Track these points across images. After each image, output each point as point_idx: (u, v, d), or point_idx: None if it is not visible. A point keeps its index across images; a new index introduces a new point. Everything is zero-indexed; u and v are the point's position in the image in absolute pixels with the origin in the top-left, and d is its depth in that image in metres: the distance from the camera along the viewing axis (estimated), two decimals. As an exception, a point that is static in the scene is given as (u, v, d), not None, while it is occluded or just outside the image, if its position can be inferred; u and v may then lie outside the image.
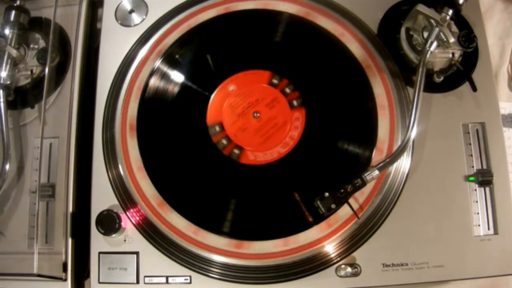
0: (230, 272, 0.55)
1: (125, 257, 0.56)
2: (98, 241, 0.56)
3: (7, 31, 0.61)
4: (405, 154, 0.56)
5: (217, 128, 0.59)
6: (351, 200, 0.54)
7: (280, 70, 0.61)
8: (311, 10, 0.63)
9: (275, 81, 0.60)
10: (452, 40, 0.55)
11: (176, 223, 0.56)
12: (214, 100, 0.60)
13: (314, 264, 0.54)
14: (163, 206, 0.56)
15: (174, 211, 0.56)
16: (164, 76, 0.62)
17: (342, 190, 0.52)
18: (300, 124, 0.59)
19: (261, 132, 0.59)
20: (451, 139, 0.59)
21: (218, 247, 0.55)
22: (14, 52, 0.61)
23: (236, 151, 0.58)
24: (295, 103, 0.59)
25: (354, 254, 0.55)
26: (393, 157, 0.53)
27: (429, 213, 0.56)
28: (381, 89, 0.59)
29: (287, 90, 0.60)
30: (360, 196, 0.55)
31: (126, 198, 0.57)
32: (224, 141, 0.58)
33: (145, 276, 0.55)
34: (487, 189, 0.57)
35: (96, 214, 0.56)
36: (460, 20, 0.61)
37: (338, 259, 0.54)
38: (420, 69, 0.55)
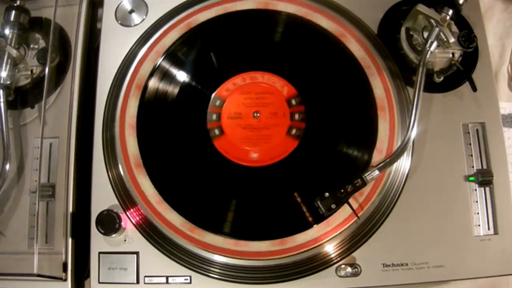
0: (230, 272, 0.55)
1: (125, 257, 0.56)
2: (98, 241, 0.56)
3: (7, 31, 0.61)
4: (405, 154, 0.56)
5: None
6: (351, 200, 0.54)
7: (280, 70, 0.61)
8: (311, 10, 0.63)
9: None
10: (452, 40, 0.55)
11: (175, 222, 0.56)
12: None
13: (314, 264, 0.54)
14: (162, 205, 0.56)
15: (173, 210, 0.56)
16: (164, 76, 0.62)
17: (342, 190, 0.52)
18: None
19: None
20: (451, 139, 0.59)
21: (216, 246, 0.55)
22: (14, 52, 0.61)
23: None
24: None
25: (354, 254, 0.55)
26: (393, 157, 0.53)
27: (429, 213, 0.56)
28: (381, 90, 0.59)
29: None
30: (360, 196, 0.55)
31: (126, 198, 0.57)
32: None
33: (145, 276, 0.55)
34: (487, 189, 0.57)
35: (96, 214, 0.56)
36: (460, 20, 0.61)
37: (338, 259, 0.54)
38: (420, 69, 0.55)
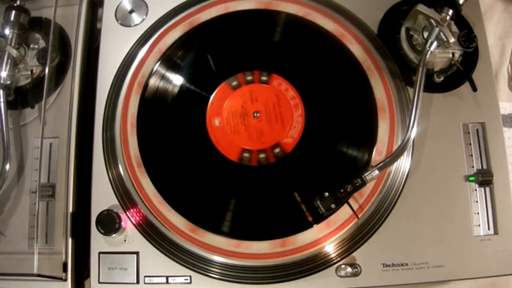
0: (230, 272, 0.55)
1: (125, 257, 0.56)
2: (98, 241, 0.56)
3: (7, 31, 0.61)
4: (405, 154, 0.56)
5: (246, 154, 0.58)
6: (351, 200, 0.54)
7: (280, 71, 0.61)
8: (311, 10, 0.63)
9: (249, 77, 0.61)
10: (452, 40, 0.55)
11: (175, 222, 0.56)
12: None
13: (314, 264, 0.54)
14: (162, 205, 0.56)
15: (173, 210, 0.56)
16: (164, 75, 0.62)
17: (342, 190, 0.52)
18: (294, 94, 0.59)
19: (272, 121, 0.59)
20: (451, 139, 0.59)
21: (216, 246, 0.55)
22: (14, 52, 0.61)
23: (262, 155, 0.58)
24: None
25: (354, 254, 0.55)
26: (393, 157, 0.53)
27: (429, 213, 0.56)
28: (381, 90, 0.59)
29: (263, 78, 0.60)
30: (360, 196, 0.55)
31: (126, 198, 0.57)
32: (247, 155, 0.58)
33: (145, 276, 0.55)
34: (487, 189, 0.57)
35: (96, 214, 0.56)
36: (460, 20, 0.61)
37: (338, 259, 0.54)
38: (420, 69, 0.55)
